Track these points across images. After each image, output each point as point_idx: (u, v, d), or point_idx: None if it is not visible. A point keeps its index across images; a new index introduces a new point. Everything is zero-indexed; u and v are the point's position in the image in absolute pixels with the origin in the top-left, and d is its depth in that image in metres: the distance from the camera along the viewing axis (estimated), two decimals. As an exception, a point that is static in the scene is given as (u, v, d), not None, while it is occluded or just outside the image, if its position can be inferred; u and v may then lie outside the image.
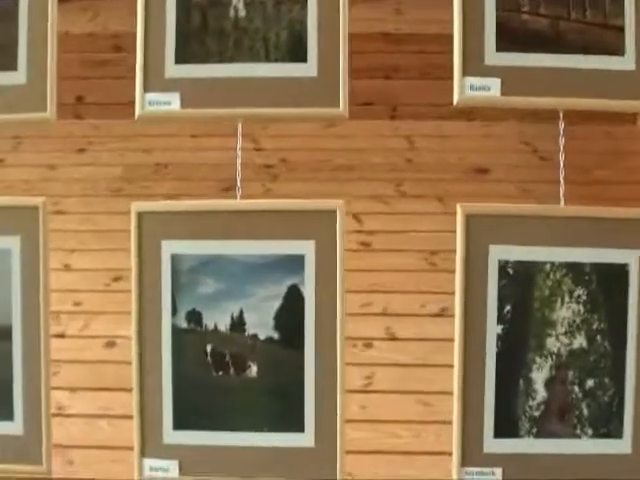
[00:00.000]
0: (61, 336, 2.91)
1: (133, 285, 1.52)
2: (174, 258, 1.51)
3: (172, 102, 1.51)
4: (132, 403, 1.52)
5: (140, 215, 1.51)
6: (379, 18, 3.47)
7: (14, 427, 1.54)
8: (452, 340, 2.97)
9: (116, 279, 3.06)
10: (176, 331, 1.51)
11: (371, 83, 3.46)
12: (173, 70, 1.50)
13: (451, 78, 3.92)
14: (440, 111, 3.35)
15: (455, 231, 3.26)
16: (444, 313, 2.94)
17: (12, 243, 1.54)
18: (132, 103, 4.17)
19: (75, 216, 3.22)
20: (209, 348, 1.52)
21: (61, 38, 4.07)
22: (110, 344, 2.96)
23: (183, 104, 1.51)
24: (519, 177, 3.29)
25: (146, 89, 1.51)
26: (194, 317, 1.52)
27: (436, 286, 2.99)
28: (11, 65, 1.55)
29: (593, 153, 3.32)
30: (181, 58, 1.51)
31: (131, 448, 2.65)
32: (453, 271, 3.16)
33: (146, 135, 3.42)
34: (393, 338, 2.94)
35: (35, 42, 1.53)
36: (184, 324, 1.52)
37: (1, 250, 1.54)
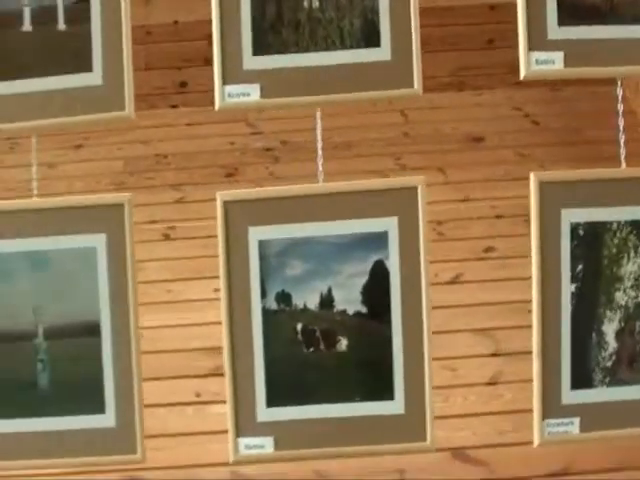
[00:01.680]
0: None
1: (221, 273, 1.58)
2: (261, 244, 1.57)
3: (252, 93, 1.57)
4: (225, 385, 1.58)
5: (226, 204, 1.56)
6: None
7: (105, 419, 1.59)
8: (468, 306, 3.07)
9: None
10: (266, 313, 1.58)
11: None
12: (251, 62, 1.55)
13: (442, 50, 4.00)
14: (430, 83, 3.43)
15: (461, 200, 3.35)
16: (457, 280, 3.04)
17: (97, 241, 1.58)
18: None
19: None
20: (299, 326, 1.59)
21: None
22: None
23: (262, 94, 1.57)
24: (514, 142, 3.40)
25: (225, 81, 1.56)
26: (284, 298, 1.58)
27: (446, 255, 3.09)
28: (86, 67, 1.59)
29: (582, 114, 3.44)
30: (258, 50, 1.56)
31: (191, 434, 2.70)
32: (461, 239, 3.27)
33: (142, 127, 3.44)
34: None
35: (109, 42, 1.56)
36: (274, 305, 1.58)
37: (87, 248, 1.59)
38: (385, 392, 1.58)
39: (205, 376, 2.71)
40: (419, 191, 1.58)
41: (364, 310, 1.59)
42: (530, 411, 2.72)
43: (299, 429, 1.59)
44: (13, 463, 1.62)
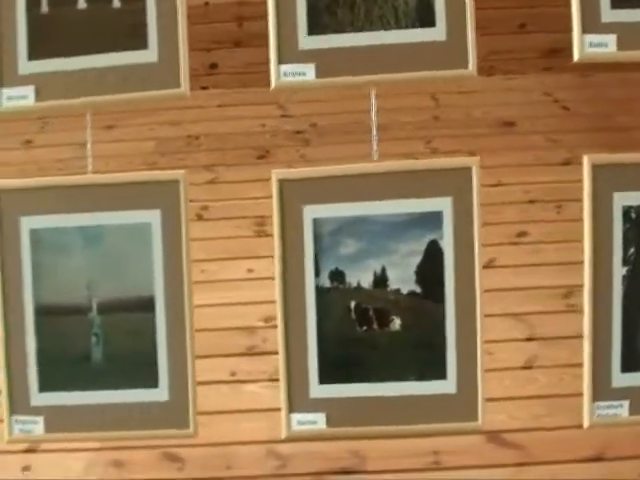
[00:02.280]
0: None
1: (276, 251, 1.59)
2: (316, 222, 1.58)
3: (307, 73, 1.57)
4: (279, 361, 1.59)
5: (281, 182, 1.57)
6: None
7: (159, 393, 1.60)
8: (502, 290, 3.07)
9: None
10: (320, 291, 1.59)
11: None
12: (307, 41, 1.56)
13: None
14: (461, 68, 3.43)
15: (493, 185, 3.34)
16: (490, 265, 3.04)
17: (152, 217, 1.59)
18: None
19: (114, 192, 3.24)
20: (353, 304, 1.59)
21: None
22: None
23: (318, 74, 1.57)
24: (545, 128, 3.39)
25: (280, 61, 1.57)
26: (337, 276, 1.59)
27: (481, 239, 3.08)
28: (142, 44, 1.59)
29: (612, 100, 3.43)
30: (314, 29, 1.57)
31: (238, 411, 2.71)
32: (494, 224, 3.27)
33: (173, 108, 3.44)
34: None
35: (164, 19, 1.58)
36: (327, 283, 1.59)
37: (142, 224, 1.60)
38: (437, 372, 1.60)
39: (240, 355, 2.73)
40: (474, 172, 1.59)
41: (418, 290, 1.60)
42: (565, 396, 2.73)
43: (351, 406, 1.60)
44: (66, 435, 1.64)
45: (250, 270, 3.03)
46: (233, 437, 2.51)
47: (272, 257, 3.10)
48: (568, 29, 3.90)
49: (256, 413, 2.62)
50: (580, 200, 3.28)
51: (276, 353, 2.52)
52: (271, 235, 3.16)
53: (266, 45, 3.82)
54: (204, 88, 3.58)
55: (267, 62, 3.80)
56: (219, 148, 3.38)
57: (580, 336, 2.91)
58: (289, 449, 2.45)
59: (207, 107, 3.49)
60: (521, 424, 2.60)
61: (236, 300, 2.86)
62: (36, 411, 1.61)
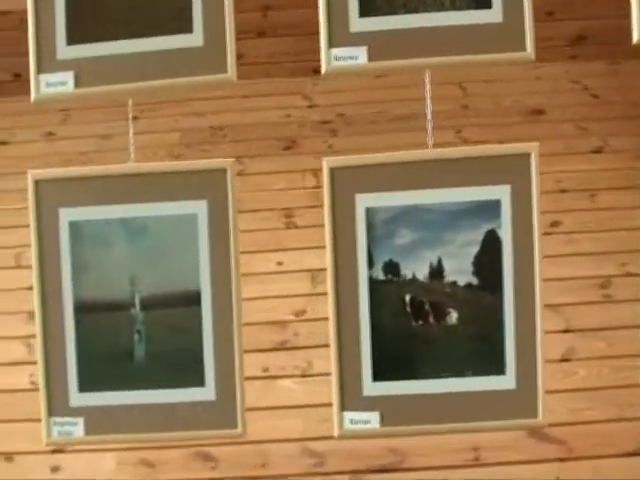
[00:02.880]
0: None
1: (327, 241, 1.52)
2: (368, 211, 1.52)
3: (359, 56, 1.50)
4: (331, 357, 1.53)
5: (332, 170, 1.51)
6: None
7: (205, 392, 1.53)
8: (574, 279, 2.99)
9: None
10: (373, 283, 1.52)
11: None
12: (358, 24, 1.49)
13: None
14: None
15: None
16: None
17: (198, 208, 1.53)
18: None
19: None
20: (408, 297, 1.53)
21: None
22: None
23: (370, 57, 1.51)
24: (575, 116, 3.31)
25: (331, 44, 1.50)
26: (391, 268, 1.52)
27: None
28: (187, 28, 1.52)
29: (642, 88, 3.36)
30: (366, 11, 1.50)
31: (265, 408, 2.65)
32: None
33: (197, 99, 3.38)
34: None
35: (209, 3, 1.50)
36: (381, 275, 1.53)
37: (187, 215, 1.53)
38: (496, 367, 1.53)
39: (271, 350, 2.67)
40: (532, 159, 1.52)
41: (475, 281, 1.53)
42: (605, 388, 2.67)
43: (406, 404, 1.53)
44: (107, 437, 1.58)
45: (279, 263, 2.97)
46: (267, 435, 2.45)
47: (302, 249, 3.05)
48: (596, 16, 3.82)
49: (291, 409, 2.56)
50: (615, 189, 3.20)
51: (309, 347, 2.46)
52: (300, 227, 3.11)
53: (290, 35, 3.75)
54: (227, 78, 3.52)
55: (291, 52, 3.71)
56: (245, 139, 3.32)
57: (617, 327, 2.85)
58: (325, 446, 2.39)
59: (232, 98, 3.42)
60: (561, 418, 2.53)
61: (266, 294, 2.79)
62: (76, 412, 1.55)
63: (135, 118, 3.64)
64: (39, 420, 1.55)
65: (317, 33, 3.86)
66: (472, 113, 3.36)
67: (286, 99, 3.40)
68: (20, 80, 3.53)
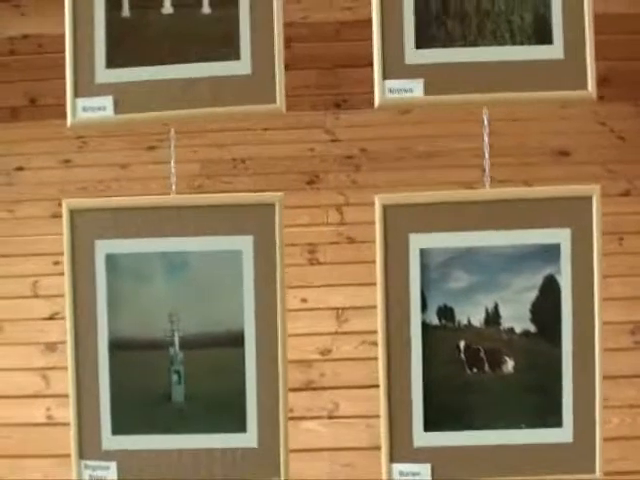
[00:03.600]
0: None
1: (379, 281, 1.45)
2: (423, 253, 1.45)
3: (414, 89, 1.44)
4: (380, 405, 1.45)
5: (385, 208, 1.44)
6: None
7: (247, 439, 1.44)
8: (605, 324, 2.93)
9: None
10: (426, 328, 1.45)
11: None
12: (414, 55, 1.43)
13: None
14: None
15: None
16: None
17: (244, 244, 1.45)
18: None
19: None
20: (462, 344, 1.45)
21: None
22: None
23: (426, 91, 1.45)
24: (601, 158, 3.26)
25: (385, 76, 1.44)
26: (446, 312, 1.45)
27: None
28: (234, 54, 1.46)
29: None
30: (422, 43, 1.44)
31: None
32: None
33: (217, 130, 3.33)
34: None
35: (258, 28, 1.44)
36: (435, 320, 1.45)
37: (232, 251, 1.45)
38: (553, 419, 1.45)
39: (296, 390, 2.58)
40: (594, 201, 1.46)
41: (533, 329, 1.45)
42: (637, 438, 2.58)
43: (459, 456, 1.45)
44: (141, 483, 1.50)
45: (304, 300, 2.89)
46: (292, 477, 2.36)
47: (326, 286, 2.97)
48: (621, 57, 3.78)
49: (316, 452, 2.47)
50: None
51: (335, 388, 2.36)
52: (324, 263, 3.03)
53: (312, 67, 3.70)
54: (248, 110, 3.47)
55: (312, 86, 3.66)
56: (266, 172, 3.25)
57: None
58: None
59: (253, 130, 3.37)
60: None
61: (291, 331, 2.72)
62: (108, 456, 1.46)
63: (153, 148, 3.61)
64: (55, 456, 1.47)
65: (340, 67, 3.80)
66: (496, 152, 3.30)
67: (308, 133, 3.34)
68: (35, 105, 3.48)
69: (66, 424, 2.64)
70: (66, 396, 2.75)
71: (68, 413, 2.72)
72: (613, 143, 3.49)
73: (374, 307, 1.53)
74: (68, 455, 2.44)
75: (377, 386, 2.06)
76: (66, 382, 2.75)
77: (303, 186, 3.21)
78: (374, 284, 3.14)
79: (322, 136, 3.52)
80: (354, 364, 2.91)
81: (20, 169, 3.43)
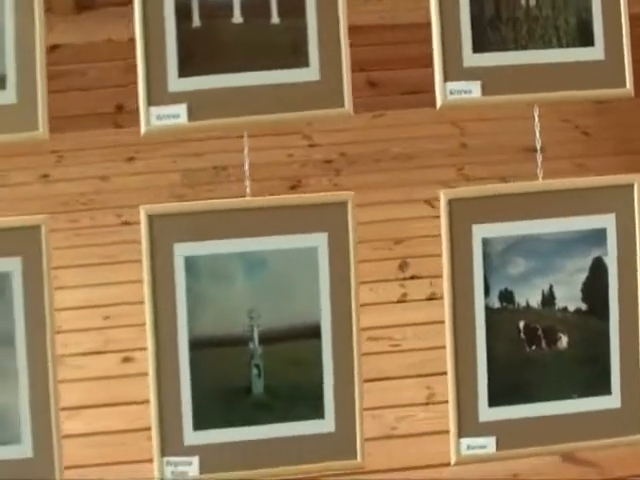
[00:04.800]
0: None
1: (445, 270, 1.55)
2: (485, 242, 1.55)
3: (473, 90, 1.55)
4: (448, 386, 1.55)
5: (450, 202, 1.53)
6: (420, 7, 3.55)
7: (325, 425, 1.52)
8: None
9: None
10: (489, 311, 1.56)
11: (411, 72, 3.53)
12: (472, 59, 1.54)
13: None
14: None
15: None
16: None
17: (319, 241, 1.51)
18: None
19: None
20: (522, 324, 1.57)
21: (102, 45, 3.96)
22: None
23: (484, 92, 1.55)
24: (569, 153, 3.43)
25: (446, 78, 1.54)
26: (507, 296, 1.56)
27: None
28: (303, 62, 1.54)
29: (630, 125, 3.50)
30: (479, 47, 1.55)
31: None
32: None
33: (196, 140, 3.37)
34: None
35: (326, 36, 1.52)
36: (497, 304, 1.56)
37: (307, 248, 1.52)
38: (602, 388, 1.58)
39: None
40: (635, 189, 1.59)
41: (584, 307, 1.58)
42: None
43: (521, 428, 1.57)
44: (224, 475, 1.55)
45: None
46: (386, 464, 2.43)
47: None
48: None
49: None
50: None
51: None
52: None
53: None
54: (223, 119, 3.53)
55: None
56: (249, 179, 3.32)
57: None
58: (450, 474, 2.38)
59: (230, 138, 3.42)
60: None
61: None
62: (190, 451, 1.51)
63: (131, 159, 3.62)
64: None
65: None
66: (470, 151, 3.45)
67: (286, 139, 3.42)
68: None
69: (74, 436, 2.65)
70: (76, 408, 2.76)
71: (77, 425, 2.72)
72: (579, 138, 3.67)
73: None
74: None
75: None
76: (74, 393, 2.76)
77: (286, 191, 3.29)
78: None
79: (300, 141, 3.61)
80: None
81: (-1, 186, 3.41)
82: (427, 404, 2.61)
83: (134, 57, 4.01)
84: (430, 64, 3.88)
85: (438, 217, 3.21)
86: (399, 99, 4.01)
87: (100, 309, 2.86)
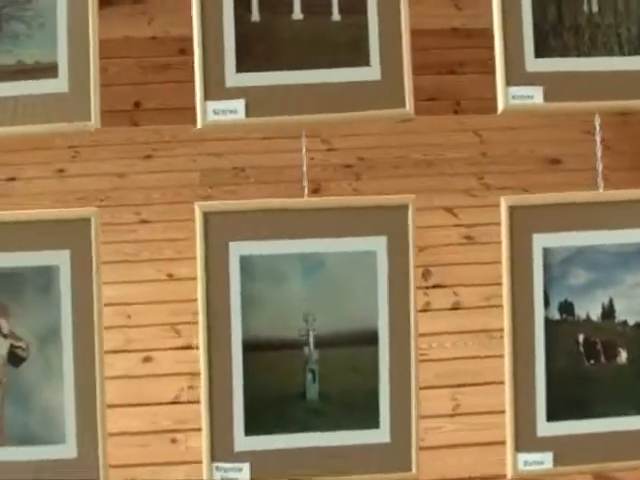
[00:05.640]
0: (188, 348, 2.80)
1: (505, 279, 1.51)
2: (545, 251, 1.52)
3: (535, 96, 1.52)
4: (505, 397, 1.51)
5: (511, 209, 1.50)
6: (444, 14, 3.52)
7: (380, 434, 1.48)
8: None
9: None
10: (549, 323, 1.52)
11: (435, 79, 3.51)
12: (534, 64, 1.50)
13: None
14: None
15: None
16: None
17: (378, 244, 1.47)
18: (194, 108, 3.99)
19: (161, 225, 3.09)
20: (581, 337, 1.53)
21: (121, 42, 3.93)
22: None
23: (546, 97, 1.52)
24: (590, 165, 3.41)
25: (509, 83, 1.50)
26: (566, 308, 1.53)
27: None
28: (364, 61, 1.50)
29: (651, 140, 3.49)
30: (541, 52, 1.51)
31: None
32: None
33: (214, 140, 3.34)
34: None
35: (387, 35, 1.48)
36: (556, 315, 1.53)
37: (366, 252, 1.48)
38: (660, 405, 1.57)
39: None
40: (691, 202, 1.57)
41: (645, 321, 1.56)
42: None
43: (579, 443, 1.53)
44: (273, 483, 1.51)
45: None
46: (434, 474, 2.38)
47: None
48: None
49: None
50: None
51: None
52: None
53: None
54: (242, 119, 3.49)
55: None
56: (269, 181, 3.28)
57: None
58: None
59: (249, 139, 3.39)
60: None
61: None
62: (241, 457, 1.46)
63: (148, 157, 3.57)
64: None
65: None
66: (491, 160, 3.43)
67: (306, 142, 3.39)
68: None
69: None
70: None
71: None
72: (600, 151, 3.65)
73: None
74: None
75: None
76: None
77: (309, 195, 3.25)
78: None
79: (318, 145, 3.57)
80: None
81: (12, 179, 3.36)
82: (453, 415, 2.58)
83: (153, 55, 3.98)
84: (451, 71, 3.85)
85: (460, 225, 3.20)
86: (419, 105, 4.00)
87: (121, 307, 2.82)
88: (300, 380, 1.47)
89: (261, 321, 1.47)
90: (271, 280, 1.48)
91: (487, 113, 3.55)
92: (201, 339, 1.48)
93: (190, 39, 3.92)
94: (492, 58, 4.01)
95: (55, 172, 3.36)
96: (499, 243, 3.31)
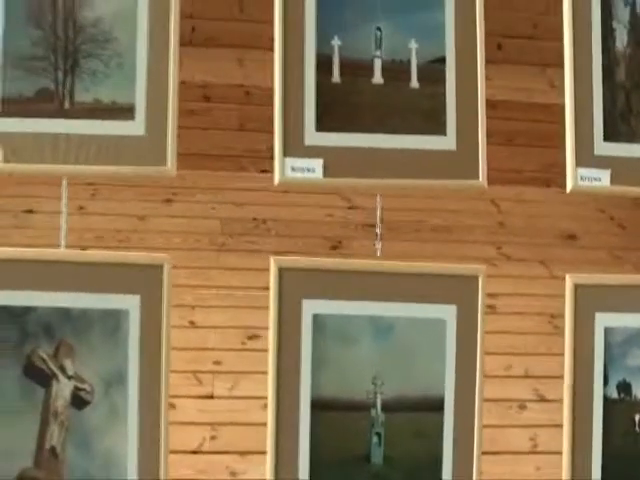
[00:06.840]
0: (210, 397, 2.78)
1: (567, 357, 1.53)
2: (607, 331, 1.55)
3: (602, 178, 1.56)
4: (562, 470, 1.52)
5: (576, 287, 1.53)
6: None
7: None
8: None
9: (251, 337, 2.96)
10: (607, 401, 1.55)
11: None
12: (602, 148, 1.57)
13: (530, 146, 3.98)
14: (520, 177, 3.49)
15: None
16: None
17: (448, 313, 1.50)
18: (219, 155, 4.08)
19: (183, 271, 3.08)
20: (638, 418, 1.55)
21: None
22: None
23: (613, 180, 1.57)
24: (605, 244, 3.46)
25: (578, 164, 1.56)
26: (625, 387, 1.55)
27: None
28: (440, 130, 1.54)
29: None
30: (609, 136, 1.58)
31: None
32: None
33: (234, 189, 3.35)
34: (542, 399, 3.02)
35: (464, 106, 1.53)
36: (614, 394, 1.56)
37: (436, 319, 1.50)
38: None
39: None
40: None
41: (698, 403, 1.59)
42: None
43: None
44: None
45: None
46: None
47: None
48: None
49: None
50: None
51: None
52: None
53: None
54: (263, 171, 3.51)
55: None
56: (289, 235, 3.29)
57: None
58: None
59: (270, 191, 3.40)
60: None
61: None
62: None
63: (168, 201, 3.57)
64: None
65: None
66: (508, 230, 3.46)
67: (325, 198, 3.41)
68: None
69: None
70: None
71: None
72: (614, 231, 3.70)
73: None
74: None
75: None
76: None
77: (327, 251, 3.27)
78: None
79: (338, 202, 3.60)
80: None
81: (29, 212, 3.34)
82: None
83: (179, 100, 3.95)
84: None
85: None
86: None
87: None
88: (365, 442, 1.48)
89: (330, 380, 1.48)
90: (342, 340, 1.49)
91: (506, 184, 3.62)
92: (270, 394, 1.47)
93: (213, 86, 3.91)
94: (514, 131, 4.02)
95: (74, 209, 3.35)
96: (519, 314, 3.35)
